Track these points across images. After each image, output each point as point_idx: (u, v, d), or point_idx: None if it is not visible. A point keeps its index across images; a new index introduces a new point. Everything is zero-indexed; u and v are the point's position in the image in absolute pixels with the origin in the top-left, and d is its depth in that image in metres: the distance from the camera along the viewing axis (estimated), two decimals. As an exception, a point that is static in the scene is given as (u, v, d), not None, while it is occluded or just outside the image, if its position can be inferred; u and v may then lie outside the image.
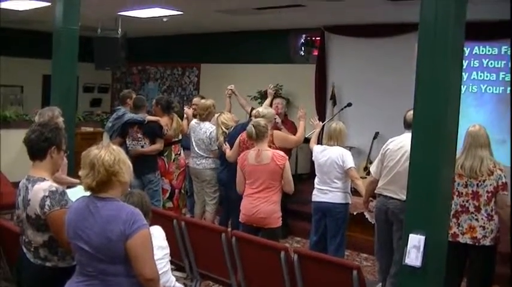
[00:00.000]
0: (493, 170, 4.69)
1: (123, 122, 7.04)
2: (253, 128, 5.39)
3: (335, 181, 5.84)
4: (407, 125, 5.07)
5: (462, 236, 4.74)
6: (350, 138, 7.43)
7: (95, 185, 2.87)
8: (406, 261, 3.54)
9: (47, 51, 6.30)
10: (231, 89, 7.58)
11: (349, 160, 5.82)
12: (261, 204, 5.27)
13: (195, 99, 8.02)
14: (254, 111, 6.25)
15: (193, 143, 7.05)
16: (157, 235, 3.86)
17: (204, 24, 10.44)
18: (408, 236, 3.54)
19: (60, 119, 5.17)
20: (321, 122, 6.81)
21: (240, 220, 5.48)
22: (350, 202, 5.96)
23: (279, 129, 6.81)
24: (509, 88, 8.02)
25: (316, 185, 6.01)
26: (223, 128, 6.66)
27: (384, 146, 5.43)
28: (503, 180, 4.69)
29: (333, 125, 6.12)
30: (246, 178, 5.43)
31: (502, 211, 4.71)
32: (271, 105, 7.35)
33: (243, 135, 5.97)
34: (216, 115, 6.94)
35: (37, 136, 3.37)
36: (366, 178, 6.93)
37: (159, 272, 3.02)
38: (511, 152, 6.06)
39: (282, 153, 5.37)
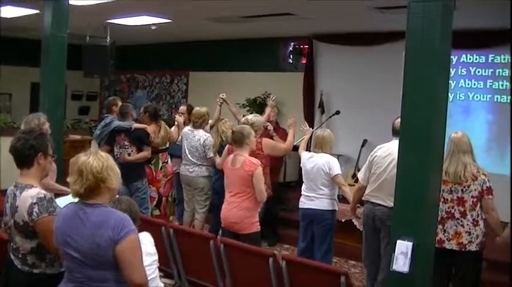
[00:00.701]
0: (477, 175, 4.74)
1: (110, 129, 7.03)
2: (230, 133, 5.47)
3: (321, 187, 5.85)
4: (395, 133, 5.09)
5: (448, 242, 4.77)
6: (338, 146, 7.45)
7: (83, 192, 2.86)
8: (393, 267, 3.56)
9: (35, 58, 6.30)
10: (222, 98, 7.52)
11: (335, 167, 5.84)
12: (233, 209, 5.29)
13: (181, 108, 8.00)
14: (243, 119, 6.26)
15: (186, 151, 7.00)
16: (146, 241, 3.86)
17: (192, 32, 10.45)
18: (396, 242, 3.56)
19: (47, 125, 5.14)
20: (311, 129, 6.80)
21: (221, 225, 5.51)
22: (337, 209, 5.96)
23: (271, 137, 6.81)
24: (496, 96, 8.10)
25: (303, 192, 6.02)
26: (223, 137, 6.64)
27: (371, 153, 5.44)
28: (488, 184, 4.74)
29: (319, 132, 6.15)
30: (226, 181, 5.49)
31: (488, 215, 4.75)
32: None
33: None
34: (210, 121, 7.04)
35: (22, 144, 3.35)
36: (354, 185, 6.95)
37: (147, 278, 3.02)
38: (511, 162, 6.09)
39: (254, 160, 5.31)
